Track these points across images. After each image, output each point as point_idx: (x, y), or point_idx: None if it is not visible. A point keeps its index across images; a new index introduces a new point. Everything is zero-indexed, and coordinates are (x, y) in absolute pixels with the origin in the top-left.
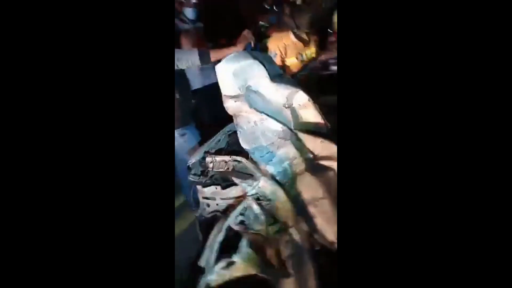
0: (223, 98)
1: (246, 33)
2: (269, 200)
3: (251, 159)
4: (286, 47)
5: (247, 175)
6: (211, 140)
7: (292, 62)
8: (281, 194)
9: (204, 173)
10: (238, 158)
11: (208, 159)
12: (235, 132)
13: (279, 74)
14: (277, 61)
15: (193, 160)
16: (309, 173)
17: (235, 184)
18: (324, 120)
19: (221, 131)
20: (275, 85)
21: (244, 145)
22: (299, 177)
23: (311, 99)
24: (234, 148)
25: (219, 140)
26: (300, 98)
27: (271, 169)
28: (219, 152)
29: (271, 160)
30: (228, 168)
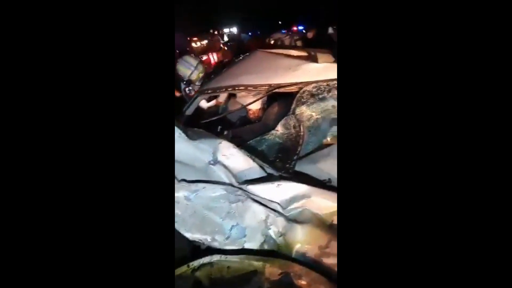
0: None
1: None
2: None
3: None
4: None
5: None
6: None
7: None
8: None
9: None
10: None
11: None
12: None
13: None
14: None
15: None
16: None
17: None
18: (258, 162)
19: None
20: (195, 143)
21: (194, 236)
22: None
23: (235, 146)
24: None
25: None
26: (225, 148)
27: (252, 245)
28: None
29: (245, 235)
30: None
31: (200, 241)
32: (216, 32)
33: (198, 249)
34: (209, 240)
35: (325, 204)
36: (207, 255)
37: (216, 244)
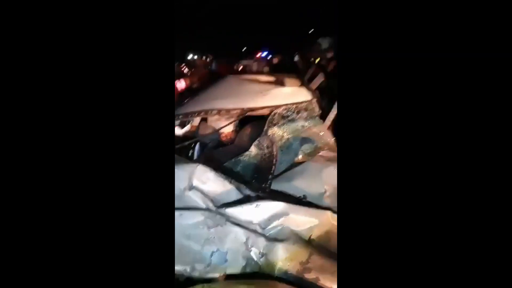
0: None
1: None
2: None
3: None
4: None
5: None
6: None
7: None
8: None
9: None
10: None
11: None
12: None
13: None
14: None
15: None
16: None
17: None
18: (234, 184)
19: None
20: None
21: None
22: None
23: (212, 169)
24: None
25: None
26: (200, 173)
27: (234, 270)
28: None
29: (226, 260)
30: None
31: (179, 272)
32: (204, 58)
33: (177, 282)
34: (188, 270)
35: (303, 220)
36: (187, 287)
37: (196, 274)
